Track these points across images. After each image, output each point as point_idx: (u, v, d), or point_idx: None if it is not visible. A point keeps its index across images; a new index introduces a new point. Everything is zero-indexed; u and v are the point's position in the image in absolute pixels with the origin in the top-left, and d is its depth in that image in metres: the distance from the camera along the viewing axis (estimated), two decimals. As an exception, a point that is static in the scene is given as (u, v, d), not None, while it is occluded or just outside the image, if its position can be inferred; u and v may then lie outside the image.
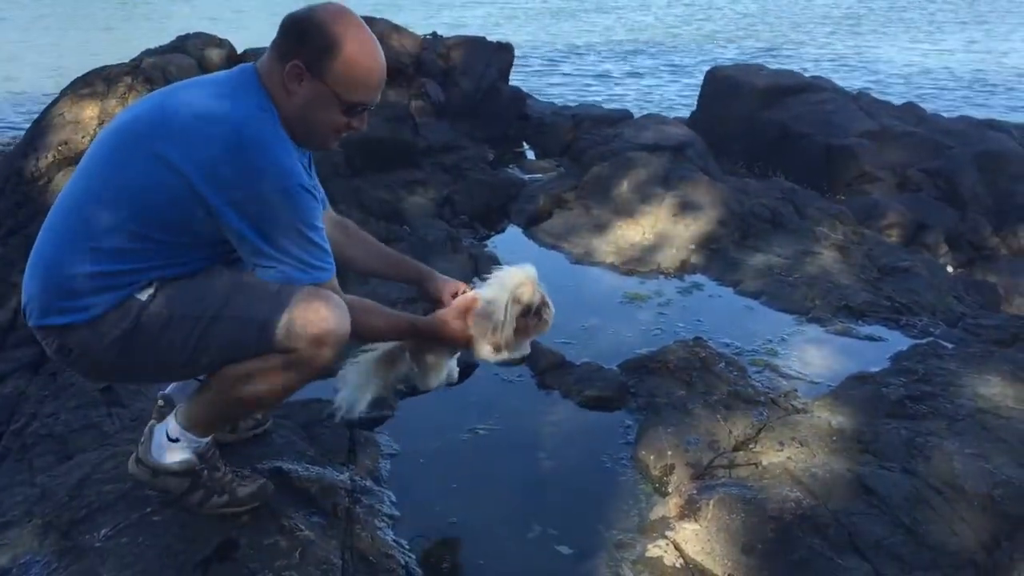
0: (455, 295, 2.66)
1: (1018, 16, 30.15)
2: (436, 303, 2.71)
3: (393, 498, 2.80)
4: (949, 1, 35.24)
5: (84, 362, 2.23)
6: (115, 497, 2.50)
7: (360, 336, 2.60)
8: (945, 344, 4.08)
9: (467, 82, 8.09)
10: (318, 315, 2.16)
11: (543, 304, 2.51)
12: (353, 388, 2.66)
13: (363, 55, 2.18)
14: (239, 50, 7.13)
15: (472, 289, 2.62)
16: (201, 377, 2.39)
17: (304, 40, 2.16)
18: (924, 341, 4.16)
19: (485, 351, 2.52)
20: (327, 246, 2.26)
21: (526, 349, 2.63)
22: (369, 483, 2.83)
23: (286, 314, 2.14)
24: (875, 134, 7.99)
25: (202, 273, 2.21)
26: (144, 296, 2.16)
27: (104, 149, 2.19)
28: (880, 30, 26.53)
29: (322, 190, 2.61)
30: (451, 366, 2.77)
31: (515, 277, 2.48)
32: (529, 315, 2.49)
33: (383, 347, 2.64)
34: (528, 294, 2.46)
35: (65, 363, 2.27)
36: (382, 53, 2.25)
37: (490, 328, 2.46)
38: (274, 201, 2.10)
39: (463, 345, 2.57)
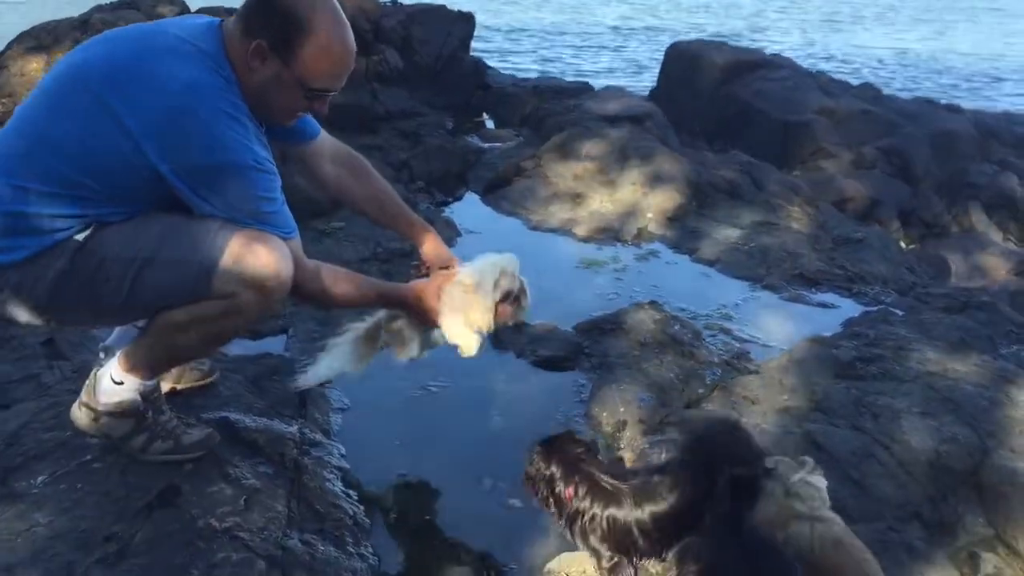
0: (445, 268, 2.58)
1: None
2: (422, 268, 2.66)
3: (343, 451, 2.76)
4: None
5: (15, 304, 2.14)
6: (53, 445, 2.43)
7: (325, 303, 2.55)
8: (896, 311, 4.13)
9: (427, 50, 7.99)
10: (258, 259, 2.09)
11: (522, 292, 2.50)
12: (328, 367, 2.60)
13: (332, 43, 2.10)
14: (192, 9, 6.95)
15: (460, 268, 2.55)
16: (140, 324, 2.33)
17: (271, 20, 2.06)
18: (875, 308, 4.21)
19: (454, 329, 2.44)
20: (286, 215, 2.19)
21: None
22: (319, 436, 2.79)
23: (225, 258, 2.07)
24: (832, 111, 8.06)
25: (140, 216, 2.13)
26: (80, 237, 2.08)
27: (54, 92, 2.09)
28: (860, 22, 26.71)
29: (315, 122, 2.53)
30: (435, 335, 2.70)
31: (499, 263, 2.46)
32: (508, 301, 2.47)
33: (362, 327, 2.60)
34: (509, 281, 2.45)
35: None
36: (352, 39, 2.16)
37: (467, 307, 2.41)
38: (223, 175, 2.04)
39: (430, 321, 2.50)
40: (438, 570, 2.37)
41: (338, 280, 2.36)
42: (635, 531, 2.03)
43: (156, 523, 2.16)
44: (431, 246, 2.64)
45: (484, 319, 2.40)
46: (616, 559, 2.11)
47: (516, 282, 2.47)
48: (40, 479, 2.30)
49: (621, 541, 2.06)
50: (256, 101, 2.12)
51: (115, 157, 2.01)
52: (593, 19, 23.64)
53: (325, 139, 2.61)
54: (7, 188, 2.04)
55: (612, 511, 2.06)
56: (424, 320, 2.48)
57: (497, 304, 2.43)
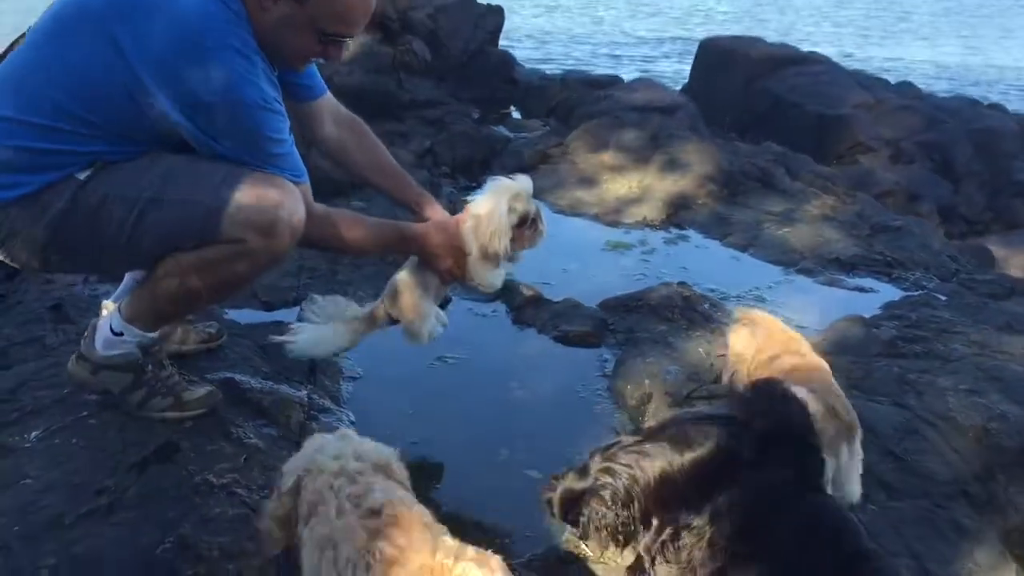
0: None
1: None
2: None
3: (352, 417, 2.64)
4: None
5: (14, 244, 2.04)
6: (51, 401, 2.33)
7: (341, 249, 2.44)
8: (939, 296, 3.94)
9: (455, 42, 7.90)
10: (269, 201, 1.98)
11: (538, 216, 2.39)
12: (300, 342, 2.48)
13: None
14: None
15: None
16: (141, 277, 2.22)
17: None
18: (917, 293, 4.02)
19: (475, 259, 2.36)
20: (295, 157, 2.09)
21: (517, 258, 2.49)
22: (327, 402, 2.67)
23: (233, 200, 1.96)
24: (870, 106, 7.85)
25: (146, 155, 2.03)
26: (83, 176, 1.98)
27: (56, 22, 2.00)
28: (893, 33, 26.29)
29: (322, 81, 2.44)
30: (436, 314, 2.59)
31: (511, 187, 2.35)
32: (525, 225, 2.37)
33: (364, 311, 2.50)
34: (523, 203, 2.34)
35: None
36: None
37: (485, 235, 2.30)
38: (229, 113, 1.93)
39: (450, 257, 2.37)
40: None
41: (351, 224, 2.25)
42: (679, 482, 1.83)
43: (150, 478, 2.04)
44: (433, 214, 2.50)
45: (502, 245, 2.30)
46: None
47: (531, 205, 2.36)
48: (34, 434, 2.19)
49: (668, 498, 1.86)
50: (268, 42, 2.01)
51: (118, 90, 1.91)
52: (622, 29, 23.47)
53: (329, 100, 2.50)
54: (6, 122, 1.95)
55: (654, 464, 1.84)
56: (444, 258, 2.35)
57: (514, 228, 2.33)
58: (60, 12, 2.01)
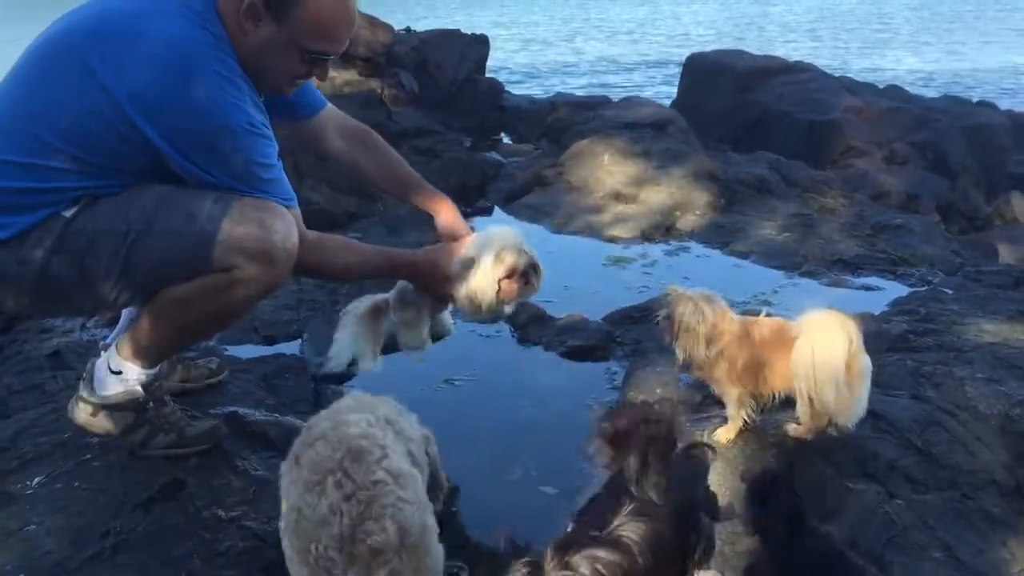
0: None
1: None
2: (437, 239, 2.48)
3: (361, 444, 2.57)
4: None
5: (3, 288, 2.00)
6: (51, 447, 2.28)
7: (329, 276, 2.40)
8: (946, 290, 3.90)
9: (442, 74, 7.93)
10: (260, 228, 1.95)
11: (530, 267, 2.29)
12: (343, 344, 2.43)
13: (327, 1, 1.96)
14: None
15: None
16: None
17: None
18: (923, 288, 3.98)
19: (462, 300, 2.31)
20: (285, 182, 2.05)
21: (505, 310, 2.40)
22: (335, 431, 2.60)
23: (224, 227, 1.92)
24: (860, 110, 7.85)
25: (133, 187, 1.98)
26: (68, 213, 1.94)
27: (37, 56, 1.97)
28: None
29: (320, 95, 2.42)
30: (444, 320, 2.55)
31: (500, 236, 2.28)
32: (514, 277, 2.27)
33: (370, 300, 2.43)
34: (512, 256, 2.24)
35: None
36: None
37: (469, 283, 2.25)
38: (216, 140, 1.90)
39: (440, 287, 2.33)
40: (465, 558, 2.16)
41: (342, 250, 2.21)
42: None
43: (156, 516, 1.99)
44: (447, 216, 2.47)
45: (486, 295, 2.23)
46: None
47: (522, 257, 2.25)
48: (36, 480, 2.14)
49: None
50: (252, 66, 1.99)
51: (101, 124, 1.88)
52: (604, 57, 23.57)
53: (331, 112, 2.48)
54: None
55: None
56: (433, 286, 2.31)
57: (501, 280, 2.24)
58: (42, 46, 1.99)
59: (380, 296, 2.43)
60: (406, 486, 1.54)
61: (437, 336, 2.59)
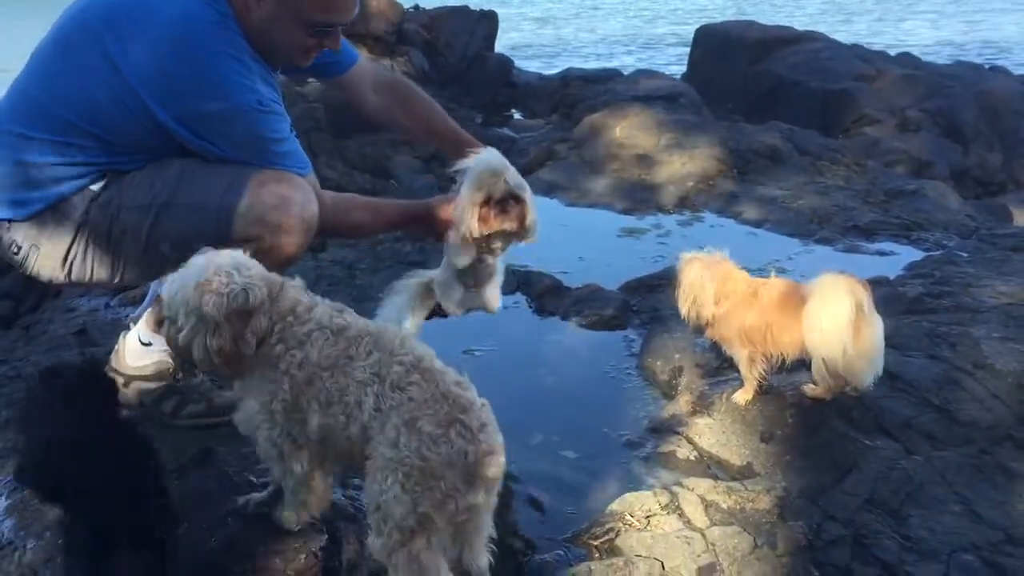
0: None
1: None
2: None
3: (384, 413, 2.61)
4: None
5: (36, 258, 2.04)
6: (83, 419, 2.32)
7: (348, 234, 2.42)
8: (961, 253, 3.90)
9: (452, 52, 7.92)
10: (279, 199, 1.97)
11: (508, 196, 2.01)
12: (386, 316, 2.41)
13: None
14: None
15: None
16: None
17: None
18: (938, 252, 3.98)
19: (453, 240, 2.14)
20: (299, 152, 2.08)
21: (491, 303, 2.32)
22: (359, 400, 2.65)
23: (244, 200, 1.95)
24: (872, 78, 7.80)
25: (156, 162, 2.03)
26: (96, 187, 1.99)
27: (58, 39, 2.02)
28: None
29: (352, 50, 2.40)
30: (485, 296, 2.37)
31: (481, 160, 2.04)
32: (491, 204, 2.02)
33: (419, 278, 2.38)
34: (489, 180, 2.00)
35: (13, 262, 2.09)
36: None
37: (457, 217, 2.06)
38: (228, 120, 1.94)
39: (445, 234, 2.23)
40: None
41: (356, 208, 2.25)
42: None
43: (191, 483, 2.03)
44: None
45: (463, 222, 2.03)
46: None
47: (499, 184, 2.00)
48: (68, 452, 2.18)
49: None
50: (260, 41, 2.01)
51: (118, 106, 1.92)
52: (613, 34, 23.37)
53: (365, 67, 2.48)
54: (18, 138, 1.97)
55: None
56: (440, 236, 2.28)
57: (480, 207, 2.01)
58: (62, 28, 2.03)
59: (429, 273, 2.41)
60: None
61: (476, 309, 2.51)
